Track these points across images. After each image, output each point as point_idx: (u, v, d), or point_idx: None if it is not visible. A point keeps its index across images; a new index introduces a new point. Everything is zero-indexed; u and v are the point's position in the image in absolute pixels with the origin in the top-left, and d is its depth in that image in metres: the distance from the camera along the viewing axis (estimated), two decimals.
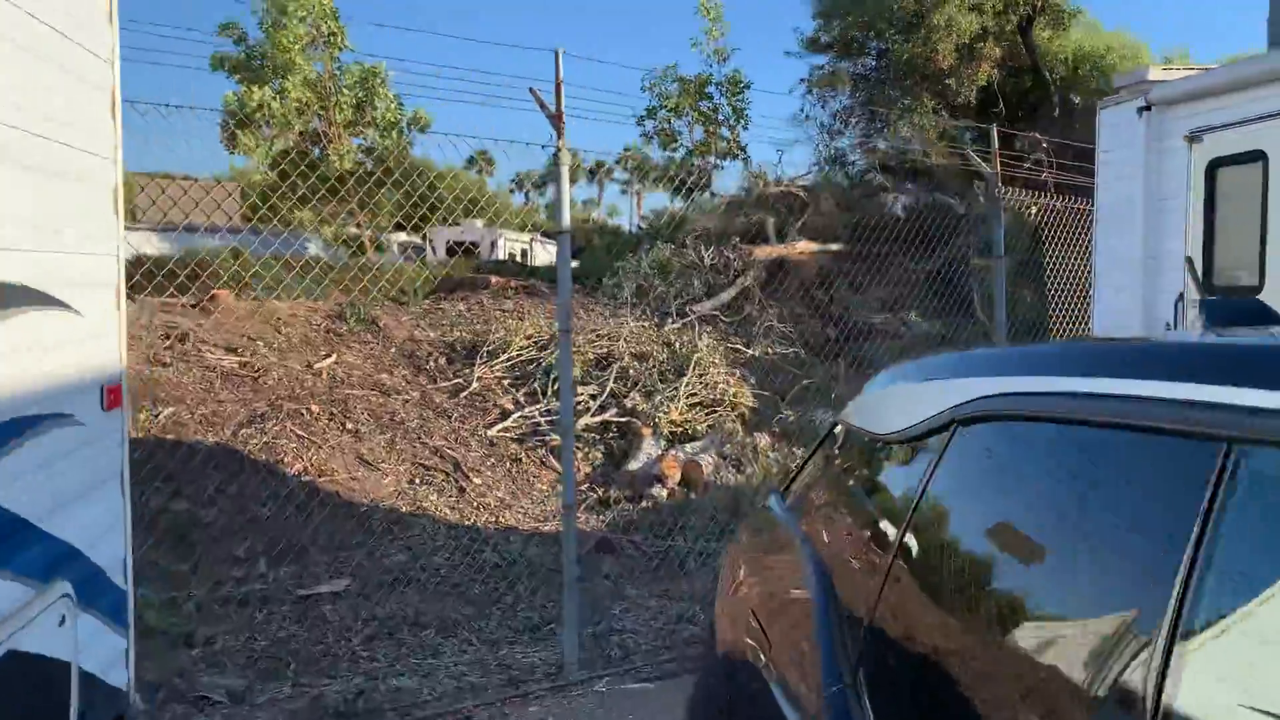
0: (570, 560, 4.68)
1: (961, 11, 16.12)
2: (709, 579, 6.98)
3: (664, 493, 8.66)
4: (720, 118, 25.01)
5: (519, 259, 30.61)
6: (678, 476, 8.93)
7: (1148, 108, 5.64)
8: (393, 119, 20.54)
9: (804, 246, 14.35)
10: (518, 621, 6.19)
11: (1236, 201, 5.19)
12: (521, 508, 8.41)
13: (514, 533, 7.82)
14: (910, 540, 1.83)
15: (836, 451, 2.82)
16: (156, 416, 8.63)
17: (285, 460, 8.40)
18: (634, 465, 8.96)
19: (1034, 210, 7.57)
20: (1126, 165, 5.95)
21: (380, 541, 7.47)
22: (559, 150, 4.55)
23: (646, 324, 11.79)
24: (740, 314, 12.88)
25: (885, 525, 2.04)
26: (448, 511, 8.12)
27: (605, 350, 10.60)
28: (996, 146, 6.83)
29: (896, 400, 2.31)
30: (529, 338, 10.94)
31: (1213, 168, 5.32)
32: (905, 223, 11.83)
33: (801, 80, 20.63)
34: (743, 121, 25.42)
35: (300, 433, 8.83)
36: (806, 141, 19.90)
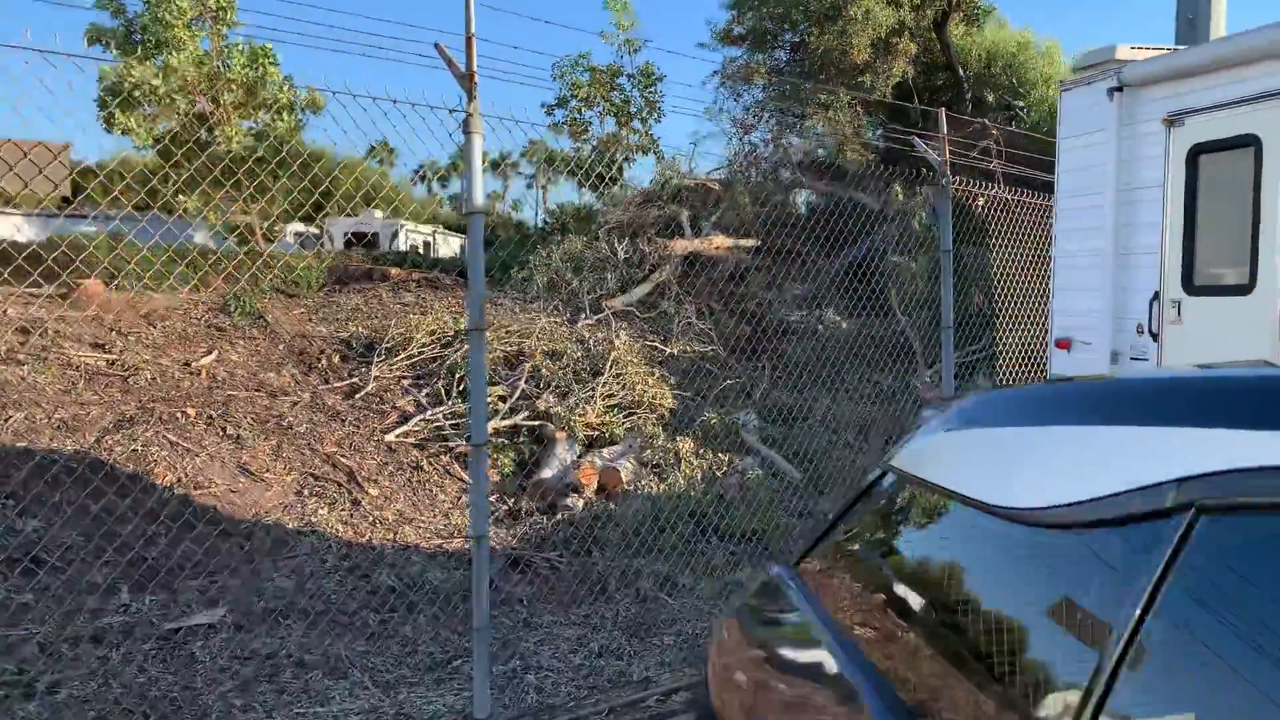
0: (482, 605, 3.99)
1: (879, 4, 15.79)
2: (633, 602, 6.35)
3: (580, 503, 8.00)
4: (632, 110, 24.44)
5: (421, 251, 29.70)
6: (595, 485, 8.28)
7: (1119, 89, 5.19)
8: (285, 101, 19.44)
9: (719, 241, 13.83)
10: (419, 658, 5.46)
11: (1222, 191, 4.77)
12: (423, 522, 7.66)
13: (415, 552, 7.07)
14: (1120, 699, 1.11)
15: (899, 520, 2.03)
16: (6, 421, 7.63)
17: (156, 471, 7.50)
18: (547, 473, 8.28)
19: (981, 202, 7.13)
20: (1093, 152, 5.50)
21: (262, 564, 6.64)
22: (470, 116, 3.86)
23: (559, 320, 11.11)
24: (656, 310, 12.29)
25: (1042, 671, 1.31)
26: (340, 527, 7.32)
27: (515, 348, 9.88)
28: (945, 131, 6.34)
29: (1031, 452, 1.54)
30: (432, 334, 10.16)
31: (1195, 154, 4.88)
32: (819, 219, 11.37)
33: (714, 73, 20.17)
34: (655, 114, 24.90)
35: (174, 439, 7.93)
36: (720, 135, 19.42)
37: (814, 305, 13.25)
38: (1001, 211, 7.66)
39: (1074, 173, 5.71)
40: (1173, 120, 4.98)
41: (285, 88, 19.81)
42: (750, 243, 13.85)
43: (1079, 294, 5.68)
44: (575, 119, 25.67)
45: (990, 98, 17.03)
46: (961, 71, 17.54)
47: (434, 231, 34.33)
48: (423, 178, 69.24)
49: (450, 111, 3.92)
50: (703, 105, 22.42)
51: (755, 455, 9.30)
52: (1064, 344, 5.79)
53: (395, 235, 29.97)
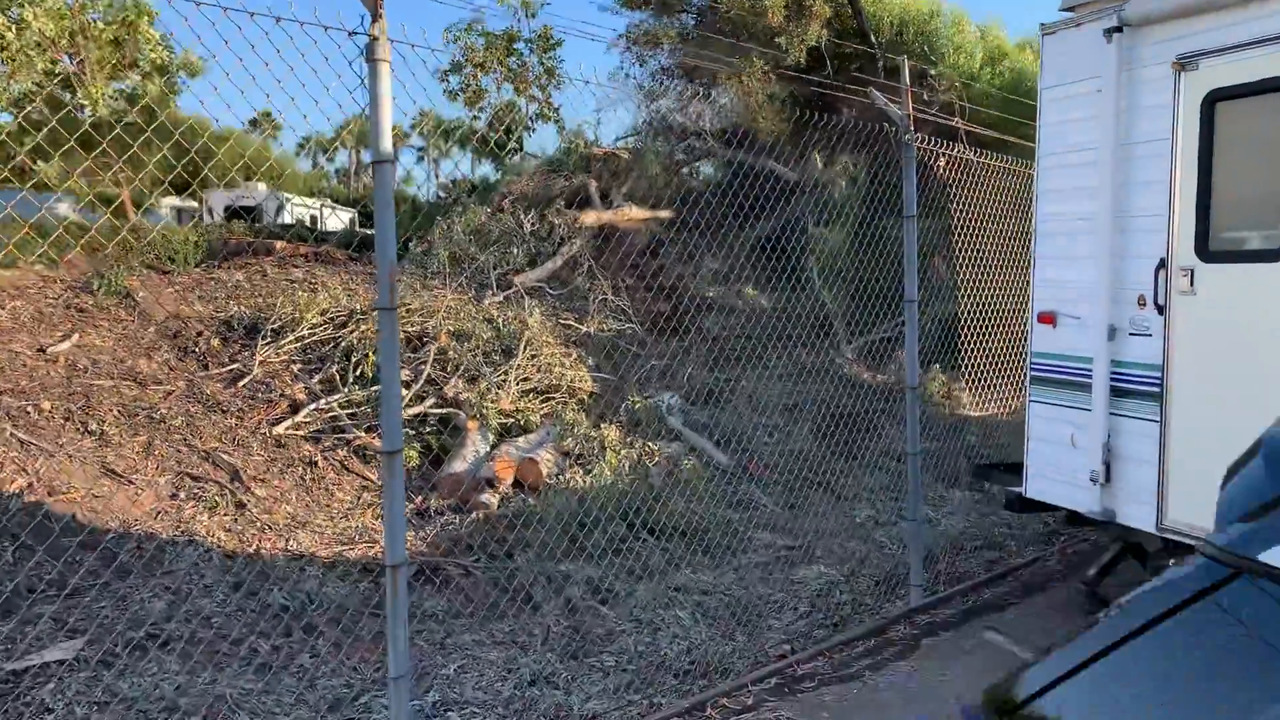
0: (399, 648, 3.22)
1: None
2: (563, 614, 5.63)
3: (496, 500, 7.23)
4: (531, 76, 23.50)
5: (308, 225, 28.37)
6: (512, 478, 7.53)
7: (1118, 29, 4.62)
8: (158, 61, 17.98)
9: (632, 213, 13.13)
10: (319, 694, 4.65)
11: (1246, 144, 4.25)
12: (318, 526, 6.79)
13: (311, 561, 6.22)
14: None
15: None
16: None
17: (2, 474, 6.48)
18: (458, 466, 7.48)
19: (941, 164, 6.57)
20: (1084, 103, 4.94)
21: (131, 583, 5.72)
22: (374, 40, 3.07)
23: (464, 297, 10.26)
24: (569, 286, 11.54)
25: None
26: (223, 536, 6.42)
27: (418, 328, 9.02)
28: (908, 83, 5.73)
29: None
30: (323, 313, 9.21)
31: (1211, 101, 4.35)
32: (733, 189, 10.77)
33: (620, 36, 19.36)
34: (555, 80, 23.97)
35: (25, 437, 6.90)
36: (627, 102, 18.65)
37: (732, 280, 12.68)
38: (964, 174, 7.13)
39: (1060, 126, 5.14)
40: (1184, 64, 4.44)
41: (159, 47, 18.35)
42: (664, 214, 13.18)
43: (1066, 263, 5.14)
44: (470, 86, 24.60)
45: (904, 65, 16.61)
46: (874, 39, 17.09)
47: (321, 205, 32.88)
48: (305, 149, 66.86)
49: (350, 34, 3.11)
50: (607, 72, 21.55)
51: (682, 441, 8.66)
52: (1048, 318, 5.24)
53: (280, 209, 28.53)
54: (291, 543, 6.48)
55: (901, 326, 13.02)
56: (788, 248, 12.97)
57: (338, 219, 32.95)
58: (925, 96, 15.64)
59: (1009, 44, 17.98)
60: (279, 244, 12.77)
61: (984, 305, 9.01)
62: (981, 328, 8.36)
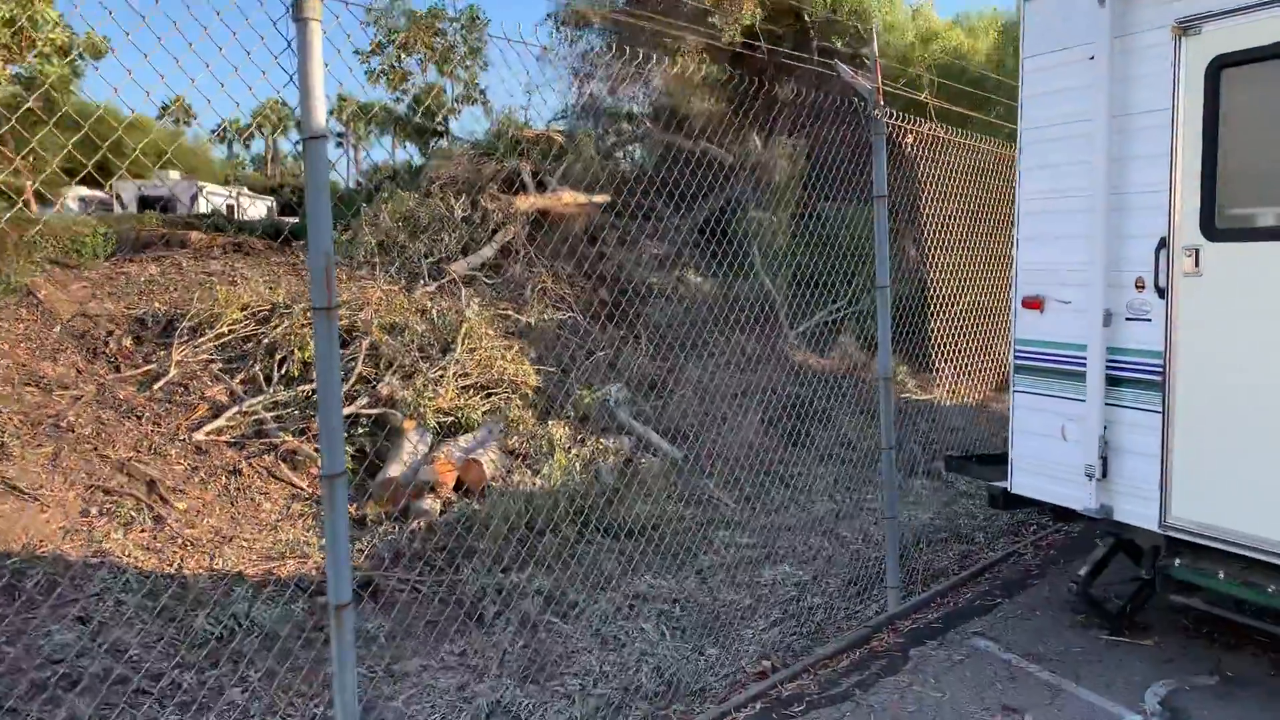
0: (346, 697, 2.80)
1: None
2: (517, 632, 5.22)
3: (438, 505, 6.79)
4: (456, 56, 22.83)
5: (225, 214, 27.45)
6: (454, 481, 7.08)
7: None
8: (58, 41, 16.98)
9: (569, 197, 12.67)
10: None
11: (1256, 114, 3.98)
12: (245, 540, 6.28)
13: (238, 581, 5.71)
14: None
15: None
16: None
17: None
18: (395, 470, 7.01)
19: (910, 140, 6.25)
20: (1072, 72, 4.64)
21: (36, 613, 5.17)
22: None
23: (395, 288, 9.74)
24: (505, 274, 11.07)
25: None
26: (140, 555, 5.88)
27: (347, 322, 8.49)
28: (877, 55, 5.38)
29: None
30: (245, 308, 8.63)
31: (1216, 68, 4.07)
32: (671, 172, 10.41)
33: (548, 16, 18.82)
34: (480, 61, 23.33)
35: None
36: (556, 83, 18.15)
37: (673, 265, 12.32)
38: (933, 150, 6.82)
39: (1046, 97, 4.84)
40: (1185, 27, 4.16)
41: (57, 27, 17.36)
42: (602, 198, 12.75)
43: (1055, 243, 4.85)
44: (393, 67, 23.85)
45: (839, 45, 16.38)
46: (807, 18, 16.83)
47: (238, 194, 31.85)
48: (222, 137, 65.06)
49: None
50: (534, 52, 20.98)
51: (631, 435, 8.29)
52: (1034, 303, 4.95)
53: (195, 198, 27.53)
54: (217, 560, 5.96)
55: (844, 310, 12.89)
56: (729, 231, 12.66)
57: (256, 208, 32.00)
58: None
59: (940, 23, 17.88)
60: (194, 235, 12.08)
61: (931, 288, 8.78)
62: (930, 311, 8.13)
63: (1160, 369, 4.37)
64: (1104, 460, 4.60)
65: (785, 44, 17.74)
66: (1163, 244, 4.29)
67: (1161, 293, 4.34)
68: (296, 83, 2.76)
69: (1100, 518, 4.64)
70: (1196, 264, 4.18)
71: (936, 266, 7.65)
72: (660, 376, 9.74)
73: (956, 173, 7.36)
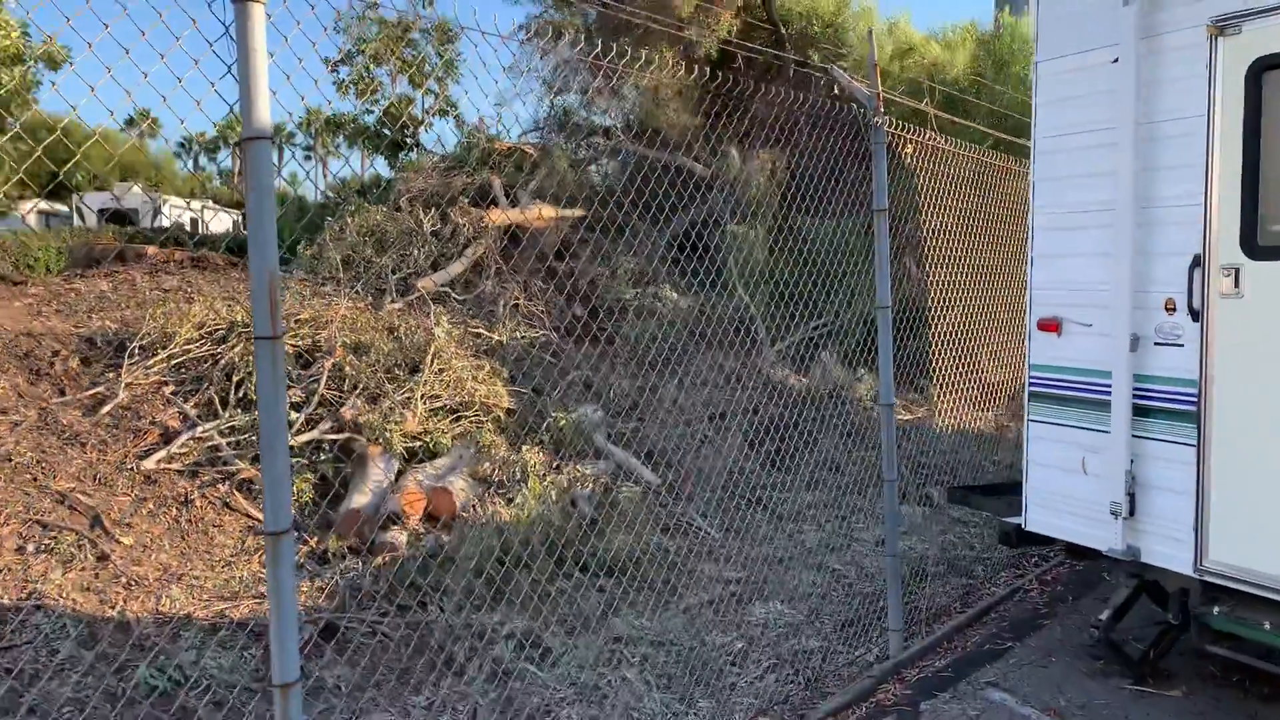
0: None
1: None
2: (490, 680, 4.82)
3: (405, 538, 6.37)
4: (428, 69, 22.49)
5: (188, 228, 26.94)
6: (422, 511, 6.67)
7: None
8: (13, 49, 16.46)
9: (542, 212, 12.29)
10: None
11: None
12: (196, 578, 5.83)
13: (188, 624, 5.27)
14: None
15: None
16: None
17: None
18: (360, 500, 6.59)
19: (909, 151, 5.91)
20: (1095, 76, 4.33)
21: None
22: None
23: (360, 305, 9.31)
24: (476, 290, 10.68)
25: None
26: (80, 597, 5.42)
27: (309, 342, 8.06)
28: (875, 57, 5.05)
29: None
30: (201, 327, 8.17)
31: (1258, 71, 3.76)
32: (646, 187, 10.07)
33: (519, 27, 18.49)
34: (452, 74, 23.01)
35: None
36: (528, 96, 17.84)
37: (648, 281, 11.97)
38: (935, 162, 6.50)
39: (1062, 104, 4.53)
40: (1222, 27, 3.85)
41: (13, 35, 16.84)
42: (576, 213, 12.39)
43: (1074, 261, 4.52)
44: (363, 78, 23.45)
45: (816, 58, 16.14)
46: (784, 32, 16.58)
47: (203, 207, 31.24)
48: (186, 148, 64.29)
49: None
50: (506, 64, 20.69)
51: (608, 459, 7.90)
52: (1051, 326, 4.62)
53: (157, 211, 26.94)
54: (165, 602, 5.51)
55: (823, 328, 12.58)
56: (708, 246, 12.35)
57: (221, 222, 31.45)
58: (835, 90, 15.23)
59: (917, 36, 17.68)
60: (150, 249, 11.59)
61: (915, 304, 8.47)
62: (909, 327, 7.80)
63: (1194, 398, 4.04)
64: (1131, 497, 4.27)
65: (761, 57, 17.50)
66: (1197, 262, 3.98)
67: (1195, 315, 4.02)
68: (235, 74, 2.38)
69: (1126, 560, 4.31)
70: (1236, 284, 3.87)
71: (937, 284, 7.34)
72: (638, 396, 9.37)
73: (959, 185, 7.05)
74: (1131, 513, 4.28)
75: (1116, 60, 4.19)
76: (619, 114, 16.25)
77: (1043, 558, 6.57)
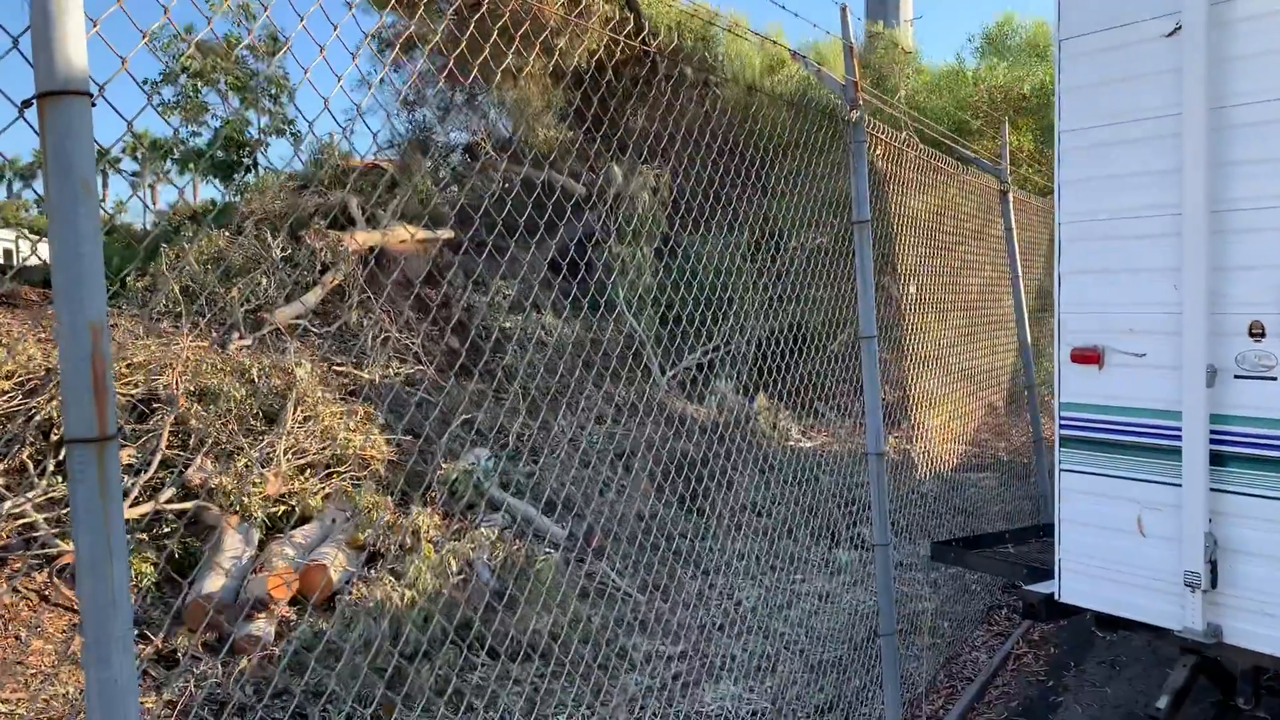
0: None
1: None
2: None
3: (272, 628, 5.25)
4: (260, 85, 21.05)
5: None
6: (293, 593, 5.56)
7: None
8: None
9: (405, 233, 11.22)
10: None
11: None
12: (6, 701, 4.59)
13: None
14: None
15: None
16: None
17: None
18: (213, 583, 5.43)
19: (878, 153, 5.18)
20: (1143, 53, 3.65)
21: None
22: None
23: (204, 344, 8.06)
24: (336, 321, 9.53)
25: None
26: None
27: (144, 390, 6.81)
28: (852, 40, 4.30)
29: None
30: (10, 377, 6.81)
31: None
32: (515, 205, 9.23)
33: (368, 38, 17.30)
34: (286, 90, 21.70)
35: None
36: (380, 110, 16.68)
37: (528, 307, 11.05)
38: (911, 171, 5.84)
39: (1098, 90, 3.84)
40: None
41: None
42: (444, 234, 11.36)
43: (1119, 278, 3.84)
44: (190, 99, 21.87)
45: (689, 72, 15.56)
46: (652, 42, 15.97)
47: (17, 237, 28.57)
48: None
49: None
50: (355, 77, 19.52)
51: (505, 512, 6.94)
52: (1091, 356, 3.93)
53: None
54: None
55: (715, 353, 11.92)
56: (590, 267, 11.56)
57: (40, 254, 28.86)
58: (706, 109, 14.71)
59: (788, 50, 17.33)
60: None
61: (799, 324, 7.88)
62: (798, 345, 7.18)
63: None
64: (1213, 565, 3.60)
65: (633, 69, 16.88)
66: None
67: None
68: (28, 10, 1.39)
69: (1207, 641, 3.63)
70: None
71: (913, 305, 6.75)
72: (528, 436, 8.44)
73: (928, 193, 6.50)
74: (1213, 584, 3.62)
75: (1173, 32, 3.55)
76: (483, 129, 15.33)
77: (1012, 609, 5.93)
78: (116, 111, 1.70)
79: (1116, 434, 3.90)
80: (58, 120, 1.36)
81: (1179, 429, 3.67)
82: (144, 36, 1.70)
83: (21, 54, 1.45)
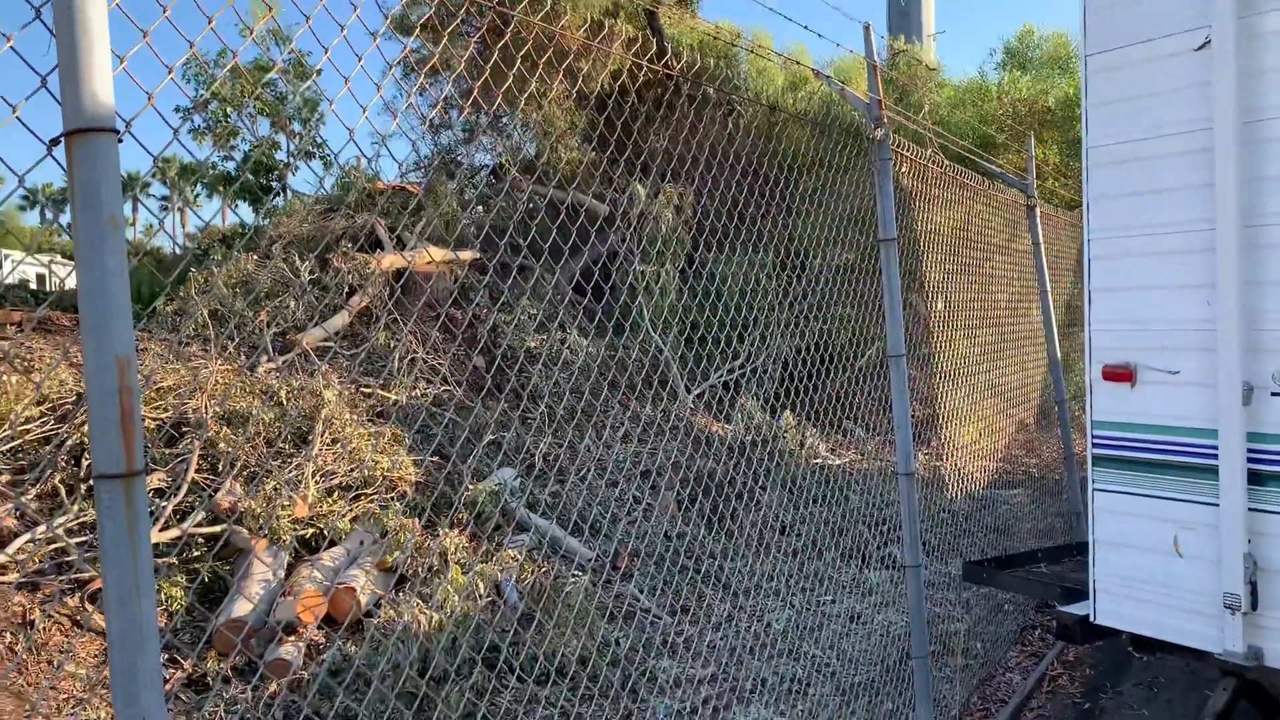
0: None
1: None
2: None
3: (300, 652, 5.25)
4: (290, 110, 21.31)
5: (34, 285, 24.99)
6: (321, 615, 5.57)
7: None
8: None
9: (432, 254, 11.28)
10: None
11: None
12: None
13: None
14: None
15: None
16: None
17: None
18: (241, 607, 5.45)
19: (903, 170, 5.16)
20: (1175, 67, 3.62)
21: None
22: None
23: (233, 366, 8.12)
24: (364, 343, 9.57)
25: None
26: None
27: (174, 415, 6.87)
28: (875, 55, 4.28)
29: None
30: (43, 403, 6.90)
31: None
32: (542, 226, 9.27)
33: (392, 67, 17.49)
34: (316, 114, 21.94)
35: None
36: (408, 134, 16.86)
37: (553, 326, 11.07)
38: (937, 188, 5.81)
39: (1127, 105, 3.82)
40: None
41: None
42: (469, 255, 11.42)
43: (1151, 294, 3.80)
44: (220, 123, 22.18)
45: (711, 92, 15.60)
46: (675, 63, 16.04)
47: (50, 261, 28.98)
48: (31, 202, 60.82)
49: None
50: (383, 102, 19.64)
51: (532, 533, 6.93)
52: (1123, 374, 3.89)
53: None
54: None
55: (740, 371, 11.90)
56: (615, 287, 11.60)
57: (70, 284, 29.32)
58: (730, 129, 14.76)
59: (811, 70, 17.36)
60: None
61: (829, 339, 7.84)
62: (824, 363, 7.15)
63: None
64: (1254, 586, 3.54)
65: (655, 90, 16.94)
66: None
67: None
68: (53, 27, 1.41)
69: (1248, 664, 3.57)
70: None
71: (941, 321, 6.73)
72: (554, 455, 8.44)
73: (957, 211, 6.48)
74: (1254, 605, 3.55)
75: (1203, 46, 3.52)
76: (508, 151, 15.44)
77: (1045, 628, 5.86)
78: (144, 147, 1.71)
79: (1150, 452, 3.85)
80: (85, 157, 1.38)
81: (1215, 447, 3.61)
82: (169, 72, 1.71)
83: (50, 92, 1.47)
